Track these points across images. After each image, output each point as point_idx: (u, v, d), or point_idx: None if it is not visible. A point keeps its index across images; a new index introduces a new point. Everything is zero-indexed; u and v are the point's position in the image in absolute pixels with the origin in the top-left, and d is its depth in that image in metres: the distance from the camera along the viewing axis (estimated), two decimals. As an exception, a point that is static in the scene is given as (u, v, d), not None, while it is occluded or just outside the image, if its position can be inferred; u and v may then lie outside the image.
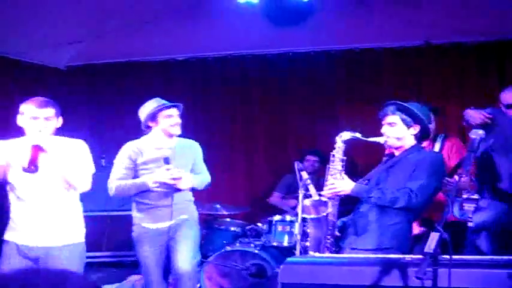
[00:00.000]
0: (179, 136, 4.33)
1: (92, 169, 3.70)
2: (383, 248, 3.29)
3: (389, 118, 3.48)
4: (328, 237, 3.45)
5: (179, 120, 4.24)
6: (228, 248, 5.09)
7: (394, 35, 6.34)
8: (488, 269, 2.56)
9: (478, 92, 6.26)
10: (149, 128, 4.30)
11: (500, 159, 4.07)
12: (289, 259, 2.93)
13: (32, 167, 3.38)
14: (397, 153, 3.54)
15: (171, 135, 4.25)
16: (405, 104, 3.47)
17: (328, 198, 3.45)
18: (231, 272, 5.08)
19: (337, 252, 3.48)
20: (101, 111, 7.02)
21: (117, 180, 4.19)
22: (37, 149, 3.41)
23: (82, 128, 6.79)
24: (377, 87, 6.21)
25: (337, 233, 3.52)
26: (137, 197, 4.21)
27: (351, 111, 6.32)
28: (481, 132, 2.95)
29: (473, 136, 2.94)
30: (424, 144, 3.96)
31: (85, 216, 3.76)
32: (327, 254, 3.37)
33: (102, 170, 4.59)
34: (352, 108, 6.38)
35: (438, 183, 3.42)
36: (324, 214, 3.42)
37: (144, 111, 4.27)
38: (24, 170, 3.40)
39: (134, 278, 5.26)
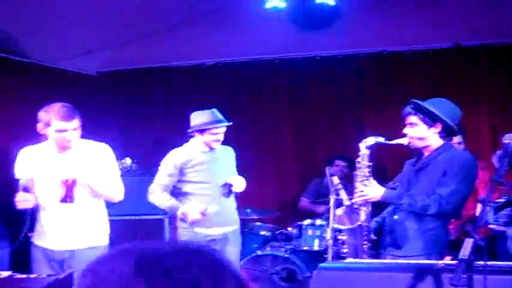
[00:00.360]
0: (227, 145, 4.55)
1: (118, 173, 3.76)
2: (423, 254, 3.26)
3: (410, 118, 3.42)
4: (365, 242, 3.42)
5: (222, 137, 4.37)
6: (259, 252, 5.11)
7: (423, 38, 6.29)
8: (524, 275, 2.54)
9: (509, 94, 6.20)
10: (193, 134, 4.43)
11: None
12: (321, 264, 2.94)
13: (68, 199, 3.49)
14: (426, 153, 3.45)
15: (211, 148, 4.38)
16: (422, 103, 3.38)
17: (359, 205, 3.42)
18: (262, 277, 5.09)
19: (376, 257, 3.46)
20: (130, 115, 7.10)
21: (160, 186, 4.31)
22: (69, 184, 3.48)
23: (111, 132, 6.90)
24: (406, 91, 6.15)
25: (373, 237, 3.49)
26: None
27: (379, 115, 6.29)
28: (514, 136, 2.90)
29: (506, 141, 2.90)
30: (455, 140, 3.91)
31: (115, 221, 3.82)
32: (364, 260, 3.35)
33: (132, 174, 4.66)
34: (381, 112, 6.34)
35: (469, 187, 3.35)
36: (359, 223, 3.39)
37: (196, 120, 4.37)
38: (61, 201, 3.50)
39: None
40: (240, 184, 4.28)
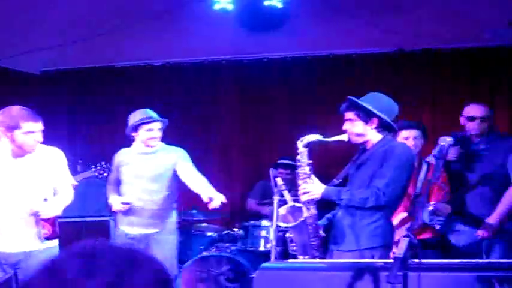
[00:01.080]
0: (164, 142, 4.54)
1: (70, 179, 3.74)
2: (365, 248, 3.29)
3: (347, 115, 3.46)
4: (313, 239, 3.42)
5: (158, 135, 4.42)
6: (205, 253, 5.10)
7: (368, 42, 6.43)
8: (457, 272, 2.63)
9: (451, 99, 6.40)
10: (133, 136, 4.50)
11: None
12: (263, 264, 2.96)
13: (54, 234, 3.63)
14: (366, 148, 3.50)
15: (149, 146, 4.45)
16: (356, 100, 3.42)
17: (303, 203, 3.43)
18: (207, 277, 5.08)
19: (325, 253, 3.48)
20: (75, 116, 6.99)
21: (109, 181, 4.57)
22: (50, 221, 3.56)
23: (55, 133, 6.76)
24: (352, 93, 6.25)
25: (322, 233, 3.49)
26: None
27: (326, 117, 6.37)
28: (449, 139, 3.01)
29: (442, 143, 3.00)
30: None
31: (61, 222, 3.78)
32: (307, 260, 3.39)
33: (103, 169, 4.65)
34: (328, 113, 6.42)
35: (406, 177, 3.37)
36: (301, 219, 3.40)
37: (131, 120, 4.45)
38: (47, 239, 3.60)
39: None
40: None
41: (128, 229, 4.45)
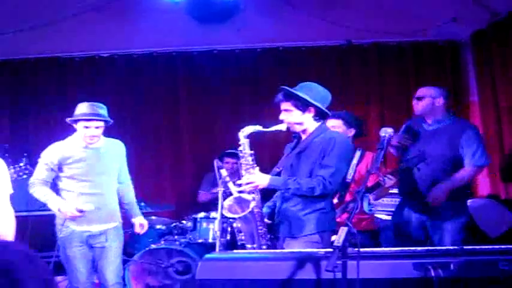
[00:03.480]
0: (105, 136, 4.30)
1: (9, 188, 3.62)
2: (315, 232, 3.38)
3: (283, 105, 3.52)
4: (260, 227, 3.48)
5: (95, 133, 4.13)
6: (153, 246, 5.07)
7: (318, 35, 6.50)
8: (395, 259, 2.70)
9: (397, 91, 6.55)
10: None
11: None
12: (207, 255, 2.96)
13: None
14: (303, 136, 3.57)
15: (87, 143, 4.19)
16: (291, 90, 3.47)
17: (248, 193, 3.47)
18: (157, 270, 5.07)
19: (273, 240, 3.53)
20: (20, 109, 6.80)
21: (39, 180, 4.14)
22: None
23: (2, 125, 6.60)
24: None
25: (267, 221, 3.56)
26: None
27: (274, 109, 6.40)
28: (390, 130, 3.08)
29: (382, 134, 3.06)
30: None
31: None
32: (250, 250, 3.42)
33: (21, 169, 4.46)
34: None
35: (347, 165, 3.56)
36: (249, 210, 3.44)
37: (76, 111, 4.18)
38: None
39: (57, 279, 5.16)
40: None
41: (84, 227, 4.15)
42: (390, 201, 5.01)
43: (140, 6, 6.01)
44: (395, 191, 4.78)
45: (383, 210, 4.98)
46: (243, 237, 3.57)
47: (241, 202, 3.51)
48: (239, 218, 3.50)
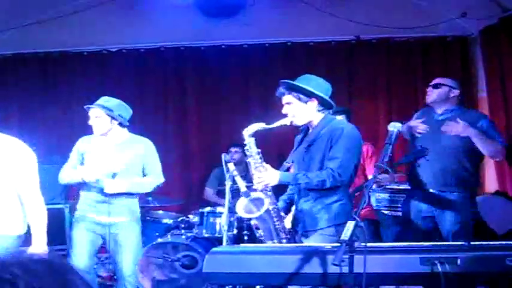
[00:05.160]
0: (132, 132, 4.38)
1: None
2: (330, 225, 3.34)
3: (285, 98, 3.49)
4: (278, 223, 3.46)
5: (94, 122, 4.20)
6: (160, 240, 5.08)
7: (326, 30, 6.49)
8: (402, 254, 2.70)
9: (406, 86, 6.53)
10: None
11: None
12: (214, 249, 2.97)
13: None
14: (310, 129, 3.54)
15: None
16: (293, 82, 3.46)
17: (260, 191, 3.45)
18: (163, 264, 5.07)
19: (292, 234, 3.51)
20: (29, 103, 6.83)
21: (68, 166, 4.26)
22: None
23: (12, 119, 6.63)
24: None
25: (283, 214, 3.54)
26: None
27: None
28: (398, 125, 3.06)
29: (390, 128, 3.05)
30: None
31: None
32: (258, 244, 3.41)
33: None
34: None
35: (356, 155, 3.47)
36: (265, 209, 3.41)
37: None
38: None
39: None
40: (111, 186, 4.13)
41: (95, 217, 4.19)
42: (397, 196, 4.99)
43: (149, 0, 6.03)
44: (402, 186, 4.79)
45: (388, 206, 4.96)
46: (262, 234, 3.55)
47: (256, 200, 3.50)
48: (256, 218, 3.48)
